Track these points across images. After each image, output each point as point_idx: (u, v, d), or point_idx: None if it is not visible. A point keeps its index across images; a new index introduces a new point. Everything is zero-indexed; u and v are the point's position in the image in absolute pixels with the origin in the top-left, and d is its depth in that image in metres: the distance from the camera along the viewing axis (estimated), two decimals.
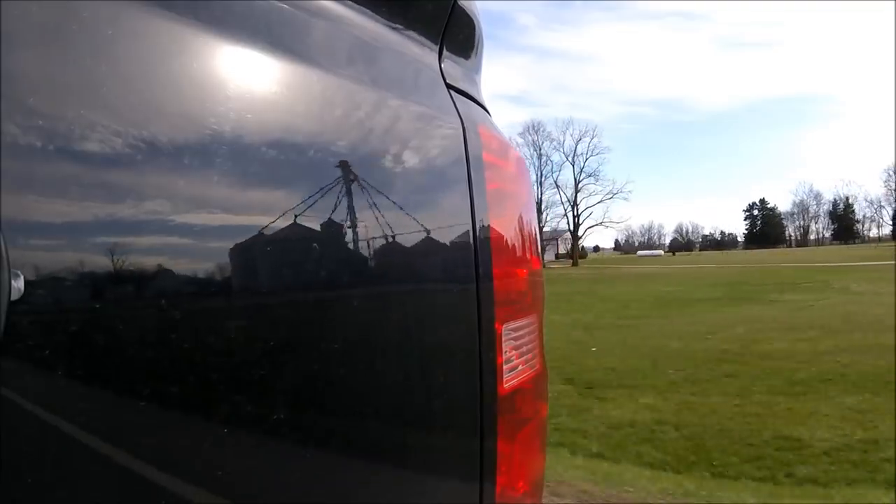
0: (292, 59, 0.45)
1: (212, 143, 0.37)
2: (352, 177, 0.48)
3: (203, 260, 0.37)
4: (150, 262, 0.34)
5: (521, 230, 0.65)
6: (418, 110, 0.57)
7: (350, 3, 0.54)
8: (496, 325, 0.57)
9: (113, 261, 0.32)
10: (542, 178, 55.49)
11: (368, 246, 0.47)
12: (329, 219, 0.44)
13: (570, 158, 56.20)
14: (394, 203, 0.51)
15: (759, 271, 25.09)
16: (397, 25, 0.58)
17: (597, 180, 57.29)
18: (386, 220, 0.49)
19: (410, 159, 0.55)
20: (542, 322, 0.68)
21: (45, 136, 0.30)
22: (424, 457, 0.53)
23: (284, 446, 0.41)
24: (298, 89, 0.45)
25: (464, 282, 0.56)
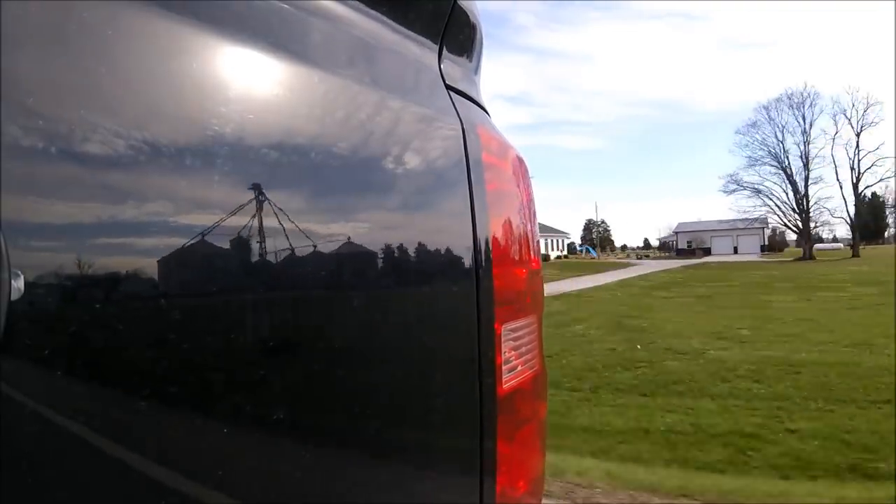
0: (292, 59, 0.45)
1: (213, 143, 0.37)
2: (351, 177, 0.48)
3: (203, 260, 0.37)
4: (149, 263, 0.34)
5: (521, 230, 0.65)
6: (418, 111, 0.58)
7: (350, 3, 0.54)
8: (496, 326, 0.57)
9: (113, 261, 0.32)
10: (808, 160, 41.23)
11: (368, 246, 0.47)
12: (328, 219, 0.44)
13: (856, 128, 40.94)
14: (394, 204, 0.51)
15: None
16: (397, 26, 0.58)
17: None
18: (386, 221, 0.49)
19: (410, 160, 0.55)
20: (541, 322, 0.68)
21: (46, 137, 0.30)
22: (424, 457, 0.53)
23: (285, 446, 0.41)
24: (299, 90, 0.45)
25: (463, 282, 0.56)
